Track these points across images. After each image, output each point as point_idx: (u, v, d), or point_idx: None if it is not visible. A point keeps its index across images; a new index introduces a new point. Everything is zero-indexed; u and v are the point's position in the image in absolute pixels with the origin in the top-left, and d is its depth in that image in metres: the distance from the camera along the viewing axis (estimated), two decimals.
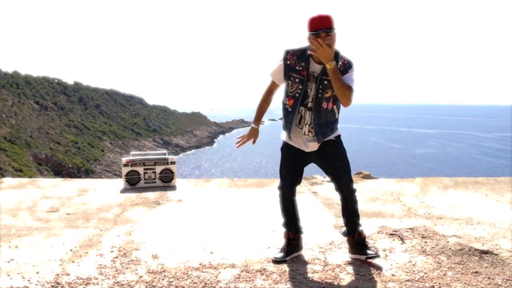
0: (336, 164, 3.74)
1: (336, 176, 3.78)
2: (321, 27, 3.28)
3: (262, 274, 3.53)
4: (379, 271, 3.60)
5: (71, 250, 4.00)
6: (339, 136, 3.75)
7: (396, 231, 4.51)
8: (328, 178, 6.80)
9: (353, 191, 3.80)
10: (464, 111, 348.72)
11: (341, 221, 4.82)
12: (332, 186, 6.43)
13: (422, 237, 4.35)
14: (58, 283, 3.35)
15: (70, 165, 59.57)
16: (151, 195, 5.98)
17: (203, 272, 3.57)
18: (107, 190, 6.32)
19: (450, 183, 6.67)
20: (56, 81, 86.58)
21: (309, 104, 3.56)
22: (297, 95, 3.56)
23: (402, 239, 4.29)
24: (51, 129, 68.56)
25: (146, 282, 3.39)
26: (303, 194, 6.06)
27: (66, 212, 5.22)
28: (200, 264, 3.72)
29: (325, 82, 3.46)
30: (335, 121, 3.69)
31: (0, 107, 62.14)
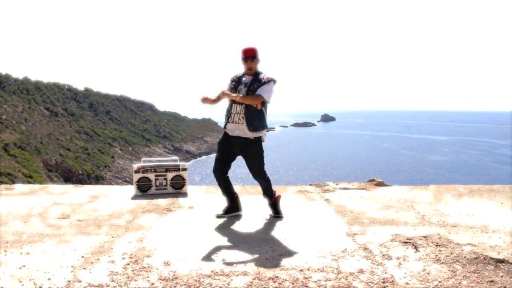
0: (252, 160, 5.30)
1: (252, 170, 5.33)
2: (248, 56, 5.10)
3: (275, 282, 3.50)
4: (392, 279, 3.56)
5: (83, 257, 3.99)
6: (260, 137, 5.21)
7: (410, 239, 4.46)
8: (340, 186, 6.79)
9: (264, 178, 5.36)
10: (468, 117, 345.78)
11: (354, 228, 4.81)
12: (345, 193, 6.42)
13: (436, 245, 4.30)
14: None
15: (80, 172, 59.87)
16: (163, 202, 5.97)
17: (215, 279, 3.55)
18: (118, 196, 6.32)
19: (464, 190, 6.59)
20: (66, 87, 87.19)
21: (237, 116, 5.14)
22: (229, 108, 5.24)
23: (416, 247, 4.25)
24: (61, 135, 69.00)
25: None
26: (315, 201, 6.03)
27: (78, 218, 5.22)
28: (212, 271, 3.70)
29: (252, 88, 5.10)
30: (261, 120, 5.17)
31: (10, 113, 62.67)
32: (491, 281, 3.54)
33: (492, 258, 3.97)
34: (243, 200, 6.11)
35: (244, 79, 5.20)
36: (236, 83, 5.23)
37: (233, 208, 5.47)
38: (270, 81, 5.12)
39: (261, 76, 5.15)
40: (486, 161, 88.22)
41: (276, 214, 5.41)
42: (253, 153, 5.23)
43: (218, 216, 5.35)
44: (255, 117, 5.11)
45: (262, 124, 5.17)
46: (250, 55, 5.13)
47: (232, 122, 5.15)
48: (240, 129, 5.11)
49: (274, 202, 5.44)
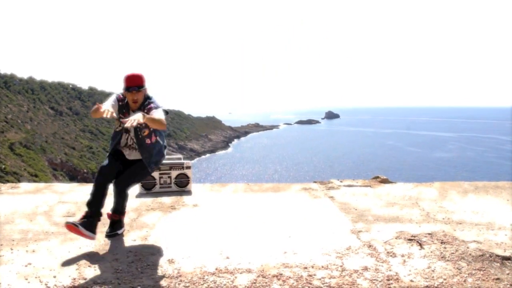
0: (134, 170, 4.47)
1: (123, 173, 4.45)
2: (133, 85, 4.27)
3: (279, 279, 3.51)
4: (397, 276, 3.55)
5: (88, 255, 4.00)
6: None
7: (414, 236, 4.45)
8: (345, 183, 6.78)
9: (124, 190, 4.47)
10: (471, 113, 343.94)
11: (358, 226, 4.80)
12: (349, 190, 6.40)
13: (441, 243, 4.28)
14: (75, 287, 3.36)
15: (85, 170, 59.96)
16: (167, 200, 5.97)
17: (219, 277, 3.56)
18: None
19: (470, 187, 6.57)
20: (70, 86, 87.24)
21: (130, 142, 4.49)
22: (117, 129, 4.50)
23: (420, 245, 4.23)
24: (66, 134, 69.12)
25: (162, 287, 3.38)
26: (319, 198, 6.02)
27: None
28: (216, 269, 3.71)
29: (139, 126, 4.27)
30: (163, 147, 4.63)
31: (15, 112, 62.81)
32: (497, 279, 3.52)
33: (498, 256, 3.95)
34: (247, 198, 6.12)
35: (132, 113, 4.29)
36: (122, 114, 4.42)
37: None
38: (154, 101, 4.42)
39: (146, 109, 4.30)
40: (492, 157, 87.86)
41: (112, 232, 4.52)
42: (138, 167, 4.49)
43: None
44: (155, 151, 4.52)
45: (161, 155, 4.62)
46: (135, 85, 4.29)
47: (128, 148, 4.53)
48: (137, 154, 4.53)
49: (117, 220, 4.58)
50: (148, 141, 4.42)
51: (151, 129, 4.39)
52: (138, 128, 4.35)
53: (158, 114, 4.26)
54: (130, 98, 4.33)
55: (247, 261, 3.86)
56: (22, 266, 3.74)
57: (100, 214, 4.34)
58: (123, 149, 4.52)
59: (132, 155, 4.51)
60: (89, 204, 4.31)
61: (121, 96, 4.45)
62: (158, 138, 4.50)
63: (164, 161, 6.52)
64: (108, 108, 4.08)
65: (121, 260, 3.89)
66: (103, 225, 4.89)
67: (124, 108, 4.43)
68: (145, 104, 4.36)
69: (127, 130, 4.43)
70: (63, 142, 65.62)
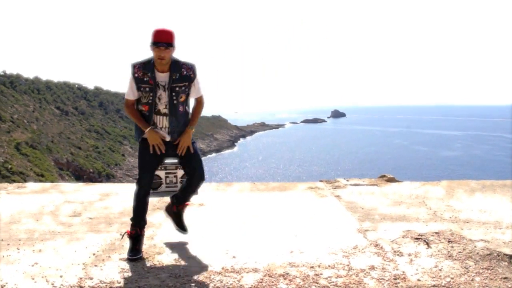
0: (194, 155, 4.24)
1: (194, 165, 4.22)
2: (162, 41, 3.79)
3: (285, 279, 3.50)
4: (404, 275, 3.53)
5: (94, 254, 4.01)
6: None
7: (421, 235, 4.43)
8: (351, 182, 6.75)
9: (203, 178, 4.25)
10: (475, 111, 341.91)
11: (365, 225, 4.78)
12: (356, 189, 6.37)
13: (449, 242, 4.26)
14: (81, 287, 3.36)
15: (91, 170, 60.14)
16: None
17: (226, 276, 3.55)
18: (128, 194, 6.32)
19: (477, 186, 6.53)
20: (76, 86, 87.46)
21: (163, 110, 4.02)
22: (150, 101, 3.97)
23: (427, 244, 4.21)
24: (72, 134, 69.27)
25: (169, 287, 3.37)
26: (326, 198, 6.00)
27: (89, 216, 5.23)
28: (223, 268, 3.70)
29: (177, 89, 3.97)
30: (188, 119, 4.20)
31: (21, 112, 63.04)
32: (505, 278, 3.50)
33: (506, 255, 3.93)
34: (253, 197, 6.11)
35: (159, 78, 3.94)
36: (149, 85, 3.93)
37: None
38: (195, 70, 4.04)
39: (183, 69, 3.98)
40: (499, 156, 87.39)
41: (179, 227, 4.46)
42: (196, 154, 4.32)
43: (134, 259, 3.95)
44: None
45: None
46: (164, 41, 3.80)
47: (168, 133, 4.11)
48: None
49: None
50: (181, 108, 4.05)
51: (187, 95, 4.08)
52: (174, 93, 3.97)
53: (196, 93, 4.12)
54: (156, 54, 3.83)
55: (254, 261, 3.85)
56: (29, 266, 3.74)
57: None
58: (160, 128, 4.06)
59: (168, 137, 4.10)
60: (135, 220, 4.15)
61: (136, 67, 3.95)
62: (187, 108, 4.15)
63: (169, 161, 6.53)
64: (158, 144, 4.03)
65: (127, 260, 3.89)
66: (109, 224, 4.91)
67: (145, 75, 3.93)
68: (178, 71, 3.95)
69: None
70: (69, 142, 65.80)
